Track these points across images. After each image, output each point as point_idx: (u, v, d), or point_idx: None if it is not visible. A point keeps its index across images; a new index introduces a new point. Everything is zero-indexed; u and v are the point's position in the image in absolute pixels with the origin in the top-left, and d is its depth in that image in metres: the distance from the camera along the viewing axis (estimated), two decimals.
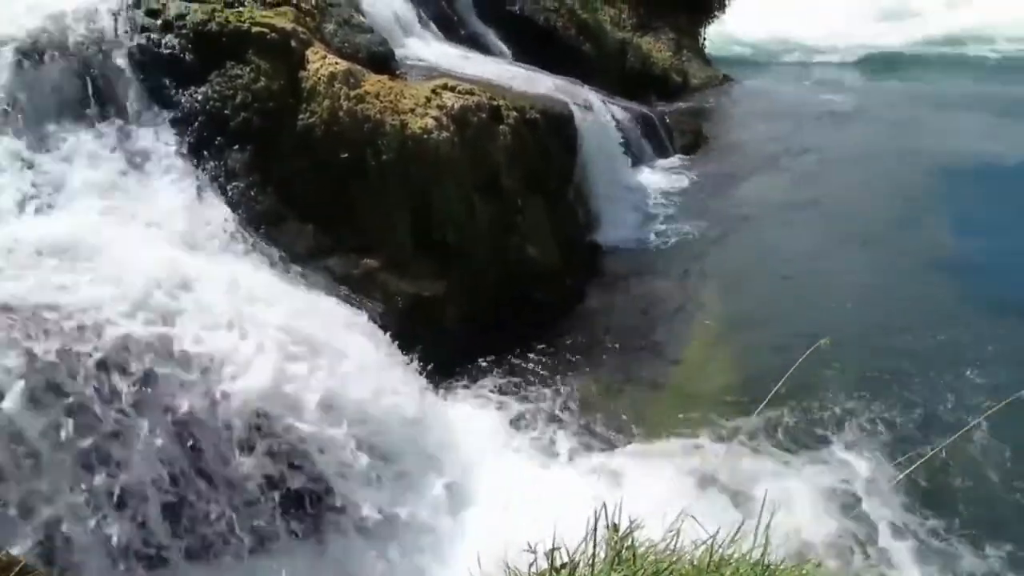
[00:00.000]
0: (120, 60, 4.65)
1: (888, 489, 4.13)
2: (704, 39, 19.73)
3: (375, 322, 4.68)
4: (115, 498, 2.96)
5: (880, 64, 19.24)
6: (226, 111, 4.88)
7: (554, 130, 7.15)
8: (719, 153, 10.86)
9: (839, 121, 12.58)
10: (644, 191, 8.86)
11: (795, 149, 10.79)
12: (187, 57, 4.88)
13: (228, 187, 4.74)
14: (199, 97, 4.85)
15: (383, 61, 6.83)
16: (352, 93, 5.51)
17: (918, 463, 3.89)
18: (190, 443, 3.19)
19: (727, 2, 19.49)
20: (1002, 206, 8.31)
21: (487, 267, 6.02)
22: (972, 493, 4.19)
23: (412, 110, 5.86)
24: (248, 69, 5.02)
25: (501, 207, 6.28)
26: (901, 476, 3.74)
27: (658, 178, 9.45)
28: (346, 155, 5.23)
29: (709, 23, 19.89)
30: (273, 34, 5.25)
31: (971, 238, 7.49)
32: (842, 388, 4.96)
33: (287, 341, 3.50)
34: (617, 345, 5.78)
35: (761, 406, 3.61)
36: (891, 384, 5.09)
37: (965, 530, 3.99)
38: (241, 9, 5.34)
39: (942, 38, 21.04)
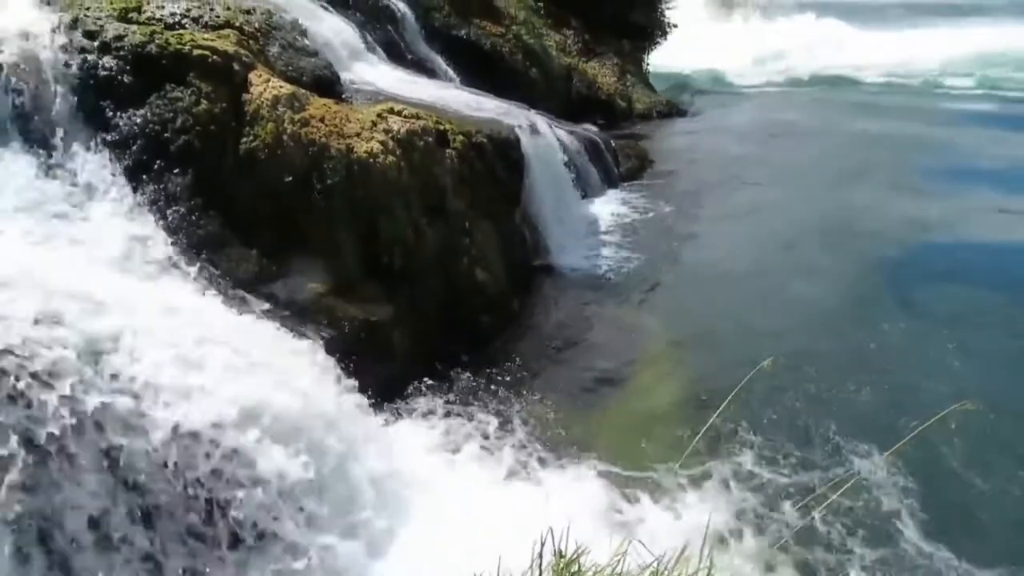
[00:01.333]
0: (55, 81, 4.53)
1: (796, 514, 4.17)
2: (647, 65, 20.23)
3: (320, 348, 4.61)
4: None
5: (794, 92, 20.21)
6: (166, 134, 4.79)
7: (501, 154, 7.19)
8: (664, 176, 11.10)
9: (779, 143, 13.02)
10: (591, 214, 8.97)
11: (738, 171, 11.11)
12: (125, 79, 4.78)
13: (167, 211, 4.64)
14: (138, 120, 4.75)
15: (328, 85, 6.80)
16: (296, 117, 5.46)
17: (844, 487, 3.98)
18: (117, 471, 3.07)
19: (669, 30, 20.07)
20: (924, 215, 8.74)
21: (435, 291, 6.00)
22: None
23: (358, 134, 5.84)
24: (189, 92, 4.95)
25: (448, 231, 6.27)
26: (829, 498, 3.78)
27: (605, 201, 9.59)
28: (291, 179, 5.18)
29: (652, 49, 20.42)
30: (215, 57, 5.18)
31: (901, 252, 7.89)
32: (782, 410, 5.02)
33: (223, 367, 3.42)
34: (563, 368, 5.82)
35: (703, 429, 3.65)
36: (826, 403, 5.17)
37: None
38: (182, 32, 5.27)
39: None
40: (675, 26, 20.35)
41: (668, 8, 20.19)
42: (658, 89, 19.28)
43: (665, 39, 20.35)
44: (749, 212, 9.16)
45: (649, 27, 19.63)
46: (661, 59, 20.86)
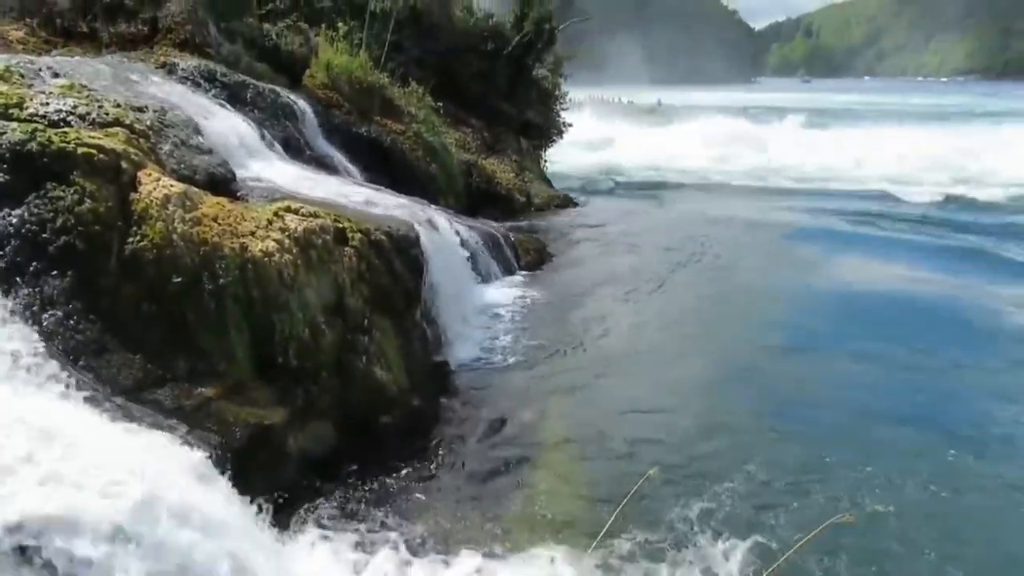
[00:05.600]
0: None
1: None
2: (545, 161, 21.07)
3: (208, 456, 4.36)
4: None
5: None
6: (44, 234, 4.57)
7: (400, 250, 7.22)
8: (563, 270, 11.40)
9: (669, 234, 13.70)
10: (491, 309, 9.06)
11: (632, 263, 11.54)
12: (1, 178, 4.57)
13: (43, 316, 4.37)
14: (13, 220, 4.52)
15: (223, 183, 6.73)
16: (188, 216, 5.35)
17: None
18: None
19: (564, 129, 21.09)
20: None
21: (332, 391, 5.84)
22: None
23: (253, 232, 5.76)
24: (72, 191, 4.77)
25: (346, 329, 6.18)
26: None
27: (505, 296, 9.72)
28: (180, 280, 5.01)
29: (549, 147, 21.35)
30: (101, 155, 5.04)
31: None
32: (664, 525, 4.98)
33: (92, 484, 3.18)
34: (464, 467, 5.71)
35: (595, 541, 3.65)
36: (707, 516, 5.11)
37: None
38: (67, 130, 5.12)
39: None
40: (570, 125, 21.46)
41: (563, 109, 21.29)
42: (558, 185, 20.09)
43: (561, 137, 21.40)
44: (648, 311, 9.47)
45: (546, 126, 20.61)
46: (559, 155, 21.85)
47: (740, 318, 9.38)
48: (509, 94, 18.82)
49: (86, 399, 4.08)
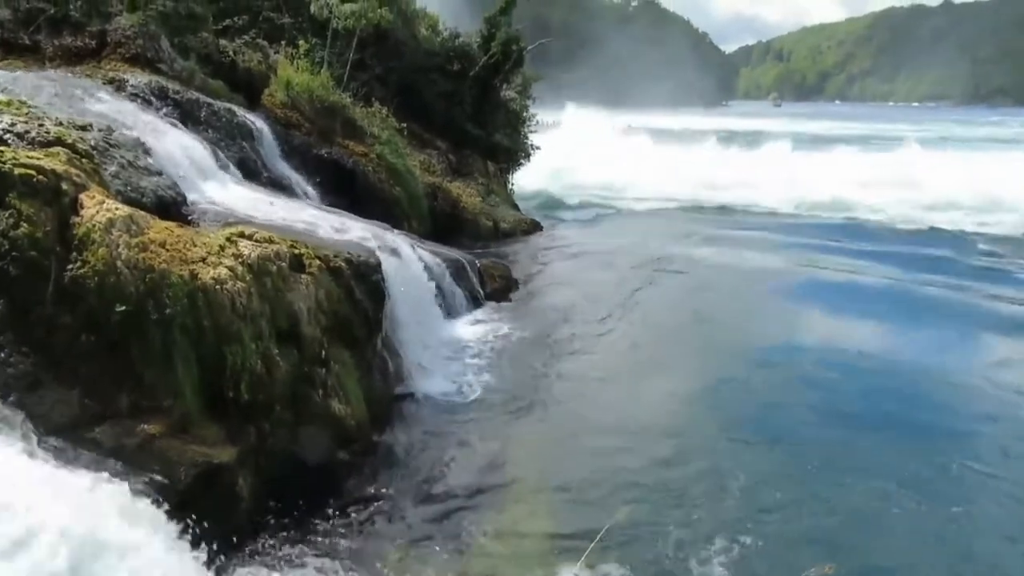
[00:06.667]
0: None
1: None
2: (512, 185, 21.13)
3: (150, 499, 4.21)
4: None
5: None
6: None
7: (360, 277, 7.13)
8: (530, 297, 11.38)
9: (636, 256, 13.79)
10: (457, 337, 9.00)
11: (601, 288, 11.58)
12: None
13: None
14: None
15: (173, 206, 6.62)
16: (133, 241, 5.21)
17: None
18: None
19: (532, 152, 21.20)
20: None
21: (286, 426, 5.71)
22: None
23: (204, 259, 5.63)
24: (7, 214, 4.62)
25: (302, 360, 6.06)
26: None
27: (471, 323, 9.67)
28: (124, 309, 4.86)
29: (516, 170, 21.43)
30: (40, 176, 4.90)
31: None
32: (639, 565, 4.95)
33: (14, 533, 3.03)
34: (426, 506, 5.61)
35: None
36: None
37: None
38: (2, 149, 4.97)
39: None
40: (538, 148, 21.57)
41: (531, 132, 21.40)
42: (524, 207, 20.15)
43: (528, 160, 21.49)
44: (616, 341, 9.49)
45: (513, 149, 20.70)
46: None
47: (714, 342, 9.43)
48: (476, 115, 18.90)
49: (16, 436, 3.91)
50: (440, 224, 14.23)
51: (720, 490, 5.91)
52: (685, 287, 12.25)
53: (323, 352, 6.34)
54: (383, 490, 5.80)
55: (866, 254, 16.31)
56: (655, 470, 6.23)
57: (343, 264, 7.00)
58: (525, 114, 21.38)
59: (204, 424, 5.08)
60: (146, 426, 4.66)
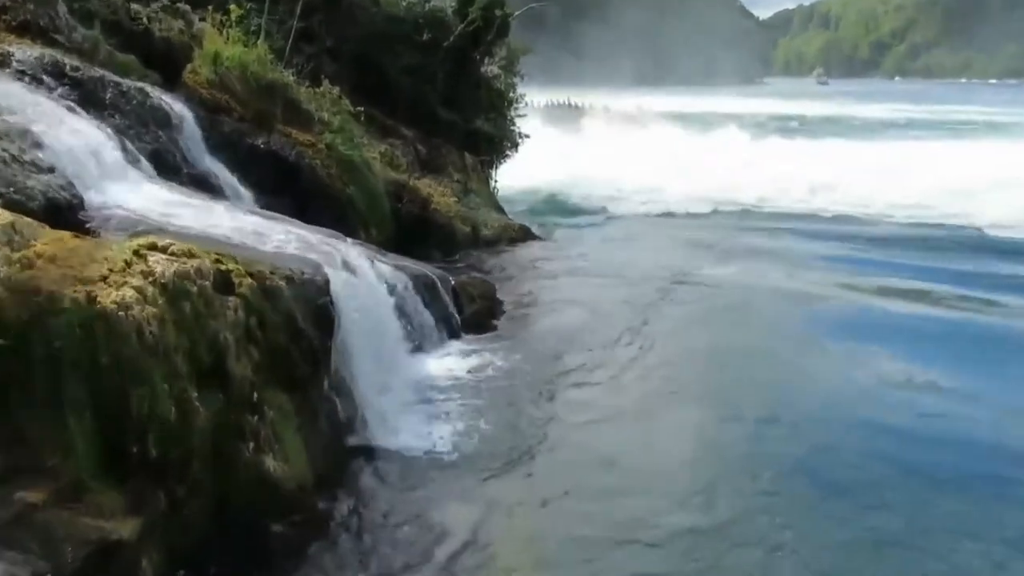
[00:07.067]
0: None
1: None
2: (496, 183, 21.19)
3: None
4: None
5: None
6: None
7: (304, 300, 7.08)
8: (518, 323, 11.37)
9: (646, 271, 13.81)
10: (426, 375, 8.98)
11: (606, 315, 11.54)
12: None
13: None
14: None
15: (67, 211, 6.59)
16: (15, 256, 5.17)
17: None
18: None
19: (520, 140, 21.27)
20: None
21: (206, 490, 5.65)
22: None
23: (104, 278, 5.56)
24: None
25: (228, 406, 5.99)
26: None
27: (443, 357, 9.66)
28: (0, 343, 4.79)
29: (501, 163, 21.49)
30: None
31: None
32: None
33: None
34: None
35: None
36: None
37: None
38: None
39: None
40: (527, 136, 21.65)
41: (518, 116, 21.47)
42: (511, 210, 20.20)
43: (516, 151, 21.56)
44: (619, 364, 9.56)
45: (497, 137, 20.75)
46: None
47: (747, 379, 9.41)
48: (450, 96, 18.96)
49: None
50: (406, 231, 14.24)
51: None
52: (709, 311, 12.29)
53: (255, 395, 6.28)
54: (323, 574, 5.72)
55: (951, 275, 16.22)
56: (678, 545, 6.17)
57: (282, 283, 6.94)
58: (512, 95, 21.47)
59: (100, 489, 5.00)
60: (25, 494, 4.57)
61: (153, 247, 6.16)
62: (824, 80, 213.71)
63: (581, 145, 35.84)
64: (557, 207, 24.03)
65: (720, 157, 32.98)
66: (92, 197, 7.23)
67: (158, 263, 5.98)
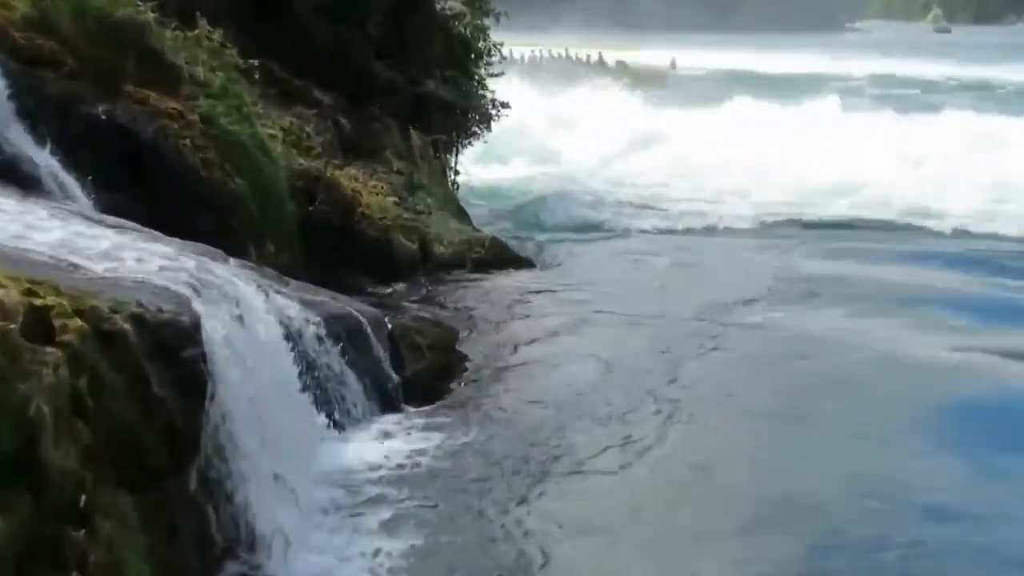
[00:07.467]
0: None
1: None
2: (456, 175, 21.23)
3: None
4: None
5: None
6: None
7: (162, 352, 7.05)
8: (490, 390, 11.38)
9: (672, 326, 13.96)
10: (349, 473, 8.95)
11: (613, 380, 11.59)
12: None
13: None
14: None
15: None
16: None
17: None
18: None
19: (495, 114, 21.34)
20: None
21: None
22: None
23: None
24: None
25: (41, 513, 5.91)
26: None
27: (374, 439, 9.72)
28: None
29: (464, 147, 21.54)
30: None
31: None
32: None
33: None
34: None
35: None
36: None
37: None
38: None
39: None
40: (506, 106, 21.70)
41: (492, 75, 21.52)
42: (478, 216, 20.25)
43: (489, 129, 21.62)
44: (629, 454, 9.68)
45: (459, 106, 20.78)
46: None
47: (817, 487, 9.46)
48: (389, 45, 19.00)
49: None
50: (320, 247, 14.27)
51: None
52: (762, 376, 12.35)
53: (82, 498, 6.20)
54: None
55: None
56: None
57: (128, 326, 6.90)
58: (482, 43, 21.53)
59: None
60: None
61: None
62: (945, 27, 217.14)
63: (588, 119, 36.22)
64: (546, 215, 24.15)
65: (809, 139, 33.30)
66: None
67: None
